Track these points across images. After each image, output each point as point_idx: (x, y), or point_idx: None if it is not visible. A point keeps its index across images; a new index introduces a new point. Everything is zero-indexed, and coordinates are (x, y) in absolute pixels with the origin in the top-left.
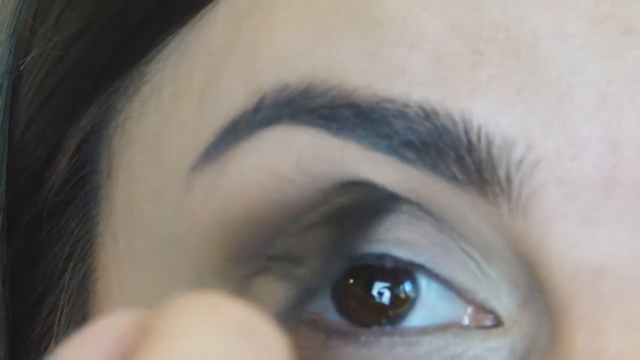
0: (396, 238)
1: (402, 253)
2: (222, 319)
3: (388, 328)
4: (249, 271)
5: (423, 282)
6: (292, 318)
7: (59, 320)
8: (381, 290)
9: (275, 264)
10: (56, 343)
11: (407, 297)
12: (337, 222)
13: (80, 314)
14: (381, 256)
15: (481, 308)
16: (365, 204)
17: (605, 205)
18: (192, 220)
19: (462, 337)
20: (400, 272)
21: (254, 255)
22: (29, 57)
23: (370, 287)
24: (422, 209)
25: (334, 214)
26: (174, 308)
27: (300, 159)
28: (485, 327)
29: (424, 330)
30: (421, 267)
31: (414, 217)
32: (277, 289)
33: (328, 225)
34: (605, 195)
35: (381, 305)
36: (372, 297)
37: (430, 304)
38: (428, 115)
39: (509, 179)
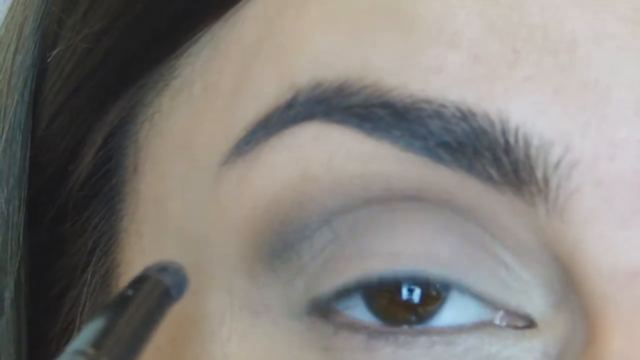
0: (428, 252)
1: (433, 270)
2: None
3: (418, 326)
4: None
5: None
6: (328, 322)
7: (80, 315)
8: (412, 287)
9: None
10: None
11: (438, 294)
12: None
13: None
14: (412, 276)
15: (513, 313)
16: None
17: None
18: (221, 215)
19: (497, 336)
20: None
21: (281, 254)
22: (57, 50)
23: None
24: (453, 208)
25: None
26: None
27: (330, 158)
28: (518, 328)
29: (460, 329)
30: (454, 284)
31: (444, 229)
32: None
33: None
34: None
35: (411, 303)
36: (403, 294)
37: (460, 303)
38: (465, 115)
39: (546, 180)
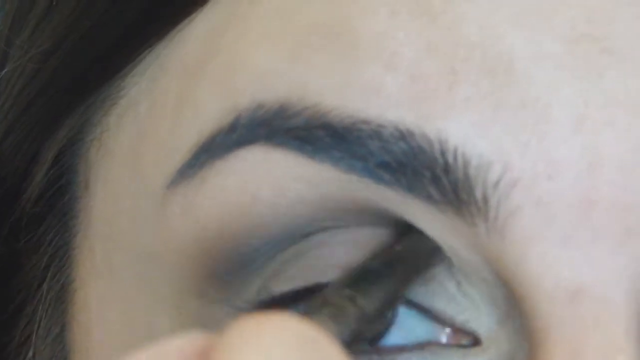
0: None
1: None
2: (285, 334)
3: (364, 347)
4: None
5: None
6: None
7: (37, 332)
8: None
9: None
10: (34, 354)
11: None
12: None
13: (58, 325)
14: None
15: (460, 330)
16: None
17: (583, 226)
18: (168, 236)
19: (440, 355)
20: None
21: (231, 273)
22: (5, 70)
23: None
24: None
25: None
26: (236, 329)
27: (278, 181)
28: (463, 346)
29: (401, 349)
30: (403, 298)
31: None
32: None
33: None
34: (583, 216)
35: None
36: None
37: (407, 326)
38: (403, 135)
39: (485, 200)
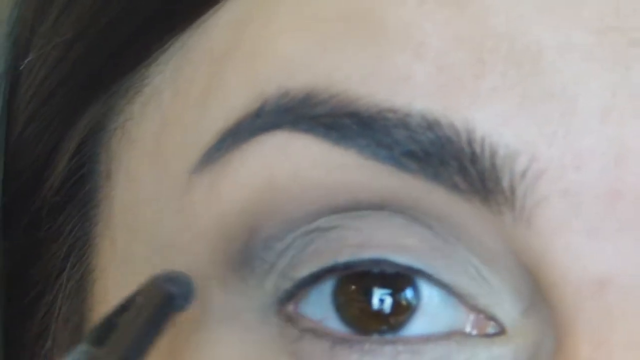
0: (394, 243)
1: (400, 258)
2: None
3: (389, 336)
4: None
5: (424, 289)
6: (293, 326)
7: (56, 321)
8: (382, 297)
9: None
10: (53, 344)
11: (409, 304)
12: None
13: (77, 315)
14: (378, 261)
15: (483, 314)
16: None
17: (610, 216)
18: (191, 223)
19: (466, 345)
20: (401, 278)
21: (249, 260)
22: (29, 58)
23: (371, 294)
24: (419, 216)
25: None
26: None
27: (296, 167)
28: (488, 335)
29: (427, 339)
30: (421, 272)
31: (411, 222)
32: None
33: None
34: (610, 206)
35: (382, 313)
36: (373, 304)
37: (431, 312)
38: (430, 125)
39: (512, 189)
